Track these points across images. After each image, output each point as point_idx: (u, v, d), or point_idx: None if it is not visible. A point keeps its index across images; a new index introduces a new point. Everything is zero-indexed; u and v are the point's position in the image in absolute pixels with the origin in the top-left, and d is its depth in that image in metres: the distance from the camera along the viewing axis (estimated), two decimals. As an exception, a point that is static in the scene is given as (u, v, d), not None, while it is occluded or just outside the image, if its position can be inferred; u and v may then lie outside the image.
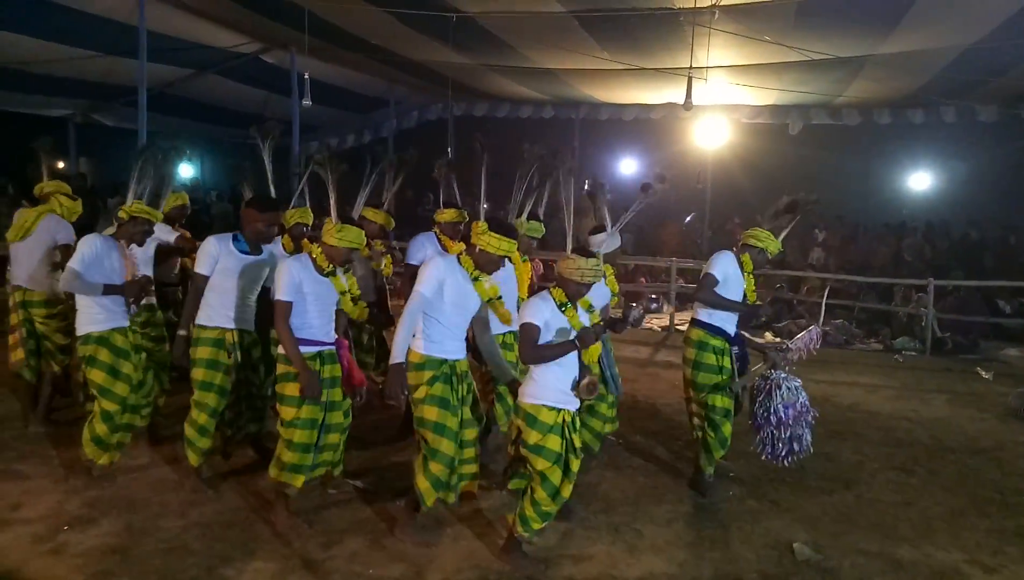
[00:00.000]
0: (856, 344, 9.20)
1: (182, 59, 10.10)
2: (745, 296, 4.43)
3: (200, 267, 4.07)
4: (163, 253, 5.06)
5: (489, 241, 3.59)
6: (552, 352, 3.34)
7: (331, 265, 3.79)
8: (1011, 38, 7.65)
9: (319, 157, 4.28)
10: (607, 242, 4.06)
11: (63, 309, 4.95)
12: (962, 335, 8.91)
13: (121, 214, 4.19)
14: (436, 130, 14.92)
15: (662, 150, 14.40)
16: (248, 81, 11.49)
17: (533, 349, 3.32)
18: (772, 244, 4.40)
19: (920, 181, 16.04)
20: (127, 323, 4.31)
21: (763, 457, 4.32)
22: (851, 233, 13.20)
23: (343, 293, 3.91)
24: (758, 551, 3.80)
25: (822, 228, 12.66)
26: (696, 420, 4.50)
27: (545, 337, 3.33)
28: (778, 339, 5.31)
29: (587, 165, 14.94)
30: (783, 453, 4.21)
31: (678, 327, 9.26)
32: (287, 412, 3.73)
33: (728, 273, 4.31)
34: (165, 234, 5.07)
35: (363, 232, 3.84)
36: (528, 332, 3.31)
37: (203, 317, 4.12)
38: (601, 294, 4.33)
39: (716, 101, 12.01)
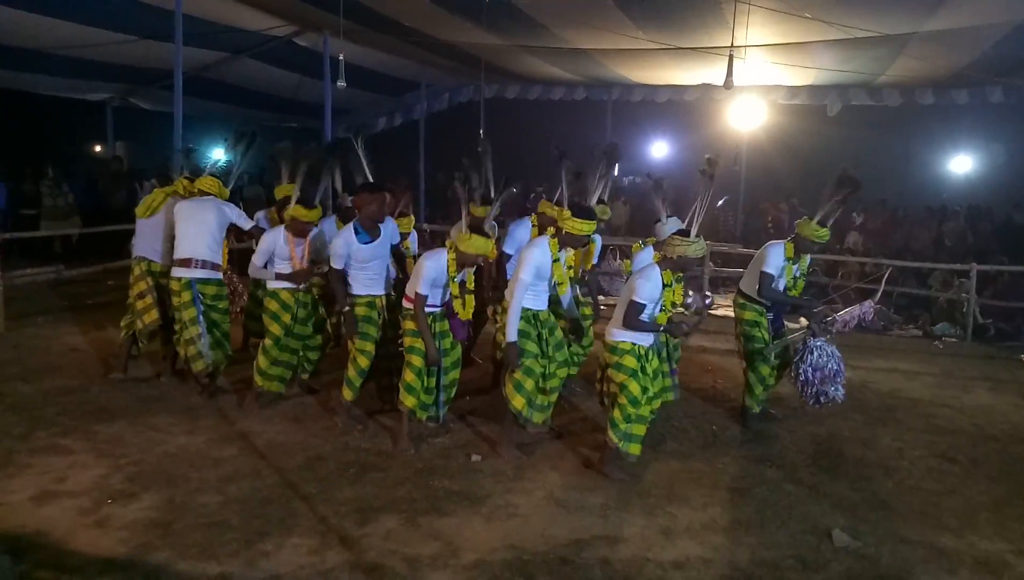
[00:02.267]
0: (894, 330, 9.01)
1: (217, 43, 10.16)
2: (786, 286, 5.11)
3: (335, 263, 4.80)
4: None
5: (575, 225, 4.34)
6: (645, 327, 4.23)
7: (458, 269, 4.52)
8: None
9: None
10: (666, 229, 4.84)
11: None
12: (1005, 321, 8.67)
13: (286, 216, 5.14)
14: (467, 112, 14.88)
15: (696, 132, 14.22)
16: (281, 64, 11.52)
17: (638, 321, 4.18)
18: (821, 235, 4.98)
19: (962, 164, 15.63)
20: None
21: (800, 398, 5.08)
22: (891, 216, 12.90)
23: (455, 297, 4.62)
24: (795, 536, 3.75)
25: (860, 211, 12.40)
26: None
27: (648, 310, 4.19)
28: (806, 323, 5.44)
29: (620, 149, 14.80)
30: (811, 401, 5.01)
31: (710, 312, 9.15)
32: (417, 360, 4.54)
33: (780, 266, 5.00)
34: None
35: (491, 242, 4.51)
36: (638, 309, 4.15)
37: (356, 288, 4.90)
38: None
39: (752, 82, 11.77)
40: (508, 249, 5.47)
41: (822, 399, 4.96)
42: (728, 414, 5.54)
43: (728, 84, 7.50)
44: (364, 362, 4.90)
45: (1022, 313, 8.88)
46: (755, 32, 8.27)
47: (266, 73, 11.79)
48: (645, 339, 4.29)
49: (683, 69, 11.52)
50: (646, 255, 5.04)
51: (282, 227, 5.14)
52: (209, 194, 5.47)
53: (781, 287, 5.10)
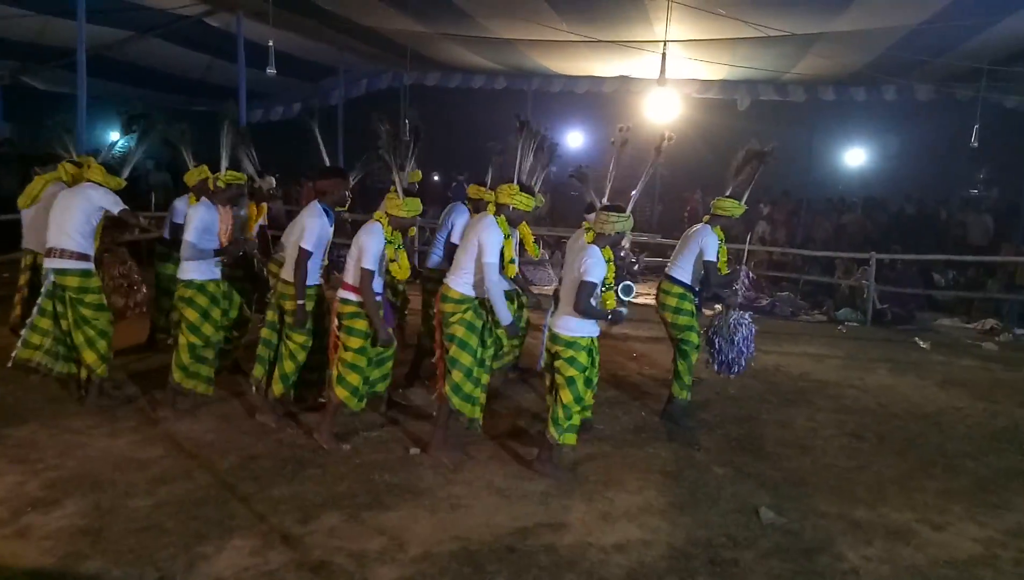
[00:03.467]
0: (802, 315, 9.53)
1: (122, 20, 9.62)
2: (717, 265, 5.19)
3: (312, 245, 4.59)
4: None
5: (521, 200, 4.50)
6: (594, 312, 4.19)
7: (395, 234, 4.44)
8: (952, 19, 7.94)
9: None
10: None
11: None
12: (900, 306, 9.32)
13: (219, 184, 4.97)
14: (386, 99, 14.64)
15: (613, 124, 14.48)
16: (191, 45, 11.02)
17: (588, 305, 4.12)
18: (737, 209, 5.18)
19: (857, 157, 16.61)
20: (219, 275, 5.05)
21: (715, 369, 5.34)
22: (795, 207, 13.59)
23: (391, 261, 4.48)
24: (726, 515, 3.95)
25: (767, 202, 13.00)
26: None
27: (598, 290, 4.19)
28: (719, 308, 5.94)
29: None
30: (735, 367, 5.25)
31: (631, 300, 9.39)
32: (356, 342, 4.43)
33: (713, 245, 5.09)
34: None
35: (419, 201, 4.48)
36: (590, 289, 4.12)
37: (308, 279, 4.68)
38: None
39: (668, 76, 12.10)
40: (456, 239, 5.33)
41: (743, 364, 5.24)
42: (656, 400, 5.74)
43: (662, 81, 7.69)
44: (303, 357, 4.80)
45: (915, 299, 9.57)
46: (674, 28, 8.52)
47: (175, 54, 11.25)
48: (596, 329, 4.31)
49: (602, 61, 11.74)
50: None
51: (208, 201, 4.96)
52: (93, 182, 4.97)
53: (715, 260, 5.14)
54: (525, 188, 4.59)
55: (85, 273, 4.92)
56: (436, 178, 16.56)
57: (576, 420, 4.29)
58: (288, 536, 3.54)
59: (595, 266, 4.12)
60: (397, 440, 4.73)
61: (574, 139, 16.86)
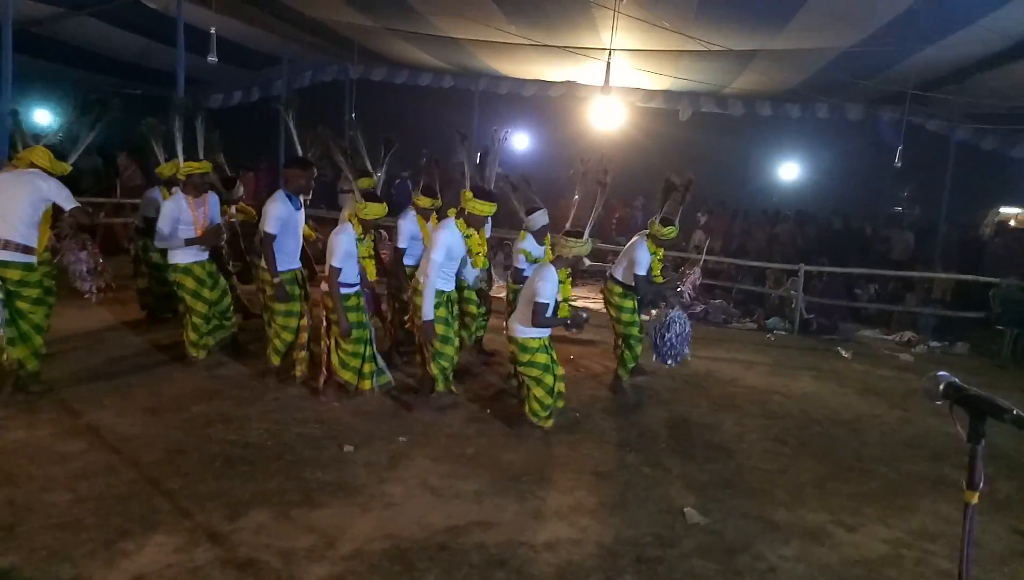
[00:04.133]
0: (733, 323, 9.83)
1: (53, -4, 9.25)
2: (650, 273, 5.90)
3: (271, 228, 5.00)
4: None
5: (475, 206, 4.97)
6: (551, 323, 4.71)
7: (363, 233, 4.97)
8: (880, 45, 8.33)
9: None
10: (538, 220, 5.60)
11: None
12: (825, 317, 9.71)
13: (180, 176, 5.36)
14: (331, 92, 14.47)
15: (558, 128, 14.64)
16: (126, 26, 10.65)
17: (544, 319, 4.63)
18: (670, 233, 5.85)
19: (790, 171, 17.20)
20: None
21: (654, 359, 5.98)
22: (731, 218, 13.97)
23: (367, 257, 5.11)
24: (653, 515, 4.05)
25: (704, 211, 13.34)
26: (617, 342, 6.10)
27: (551, 302, 4.62)
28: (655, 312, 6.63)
29: (484, 138, 14.97)
30: (669, 359, 5.89)
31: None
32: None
33: (648, 262, 5.78)
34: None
35: (385, 206, 4.97)
36: (543, 308, 4.57)
37: (282, 263, 5.13)
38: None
39: (613, 84, 12.30)
40: (401, 244, 5.78)
41: (679, 359, 5.92)
42: (591, 400, 5.85)
43: (606, 89, 7.84)
44: (289, 337, 5.34)
45: (839, 310, 9.97)
46: (621, 37, 8.68)
47: (109, 34, 10.86)
48: (547, 332, 4.84)
49: (549, 65, 11.85)
50: (528, 242, 5.78)
51: (180, 193, 5.32)
52: (37, 167, 4.79)
53: (646, 274, 5.86)
54: (482, 193, 5.06)
55: (27, 266, 4.78)
56: (379, 176, 16.43)
57: (552, 405, 4.94)
58: (214, 533, 3.48)
59: (547, 286, 4.60)
60: (332, 437, 4.70)
61: (520, 141, 16.95)
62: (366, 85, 14.10)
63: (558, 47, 9.97)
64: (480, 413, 5.34)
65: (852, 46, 8.59)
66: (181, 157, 5.36)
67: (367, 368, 5.24)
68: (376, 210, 4.91)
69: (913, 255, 12.08)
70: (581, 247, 4.74)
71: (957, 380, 1.84)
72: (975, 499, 1.86)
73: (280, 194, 5.10)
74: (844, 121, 13.09)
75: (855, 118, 12.74)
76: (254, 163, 12.46)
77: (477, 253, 5.24)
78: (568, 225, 4.97)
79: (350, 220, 4.95)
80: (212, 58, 8.03)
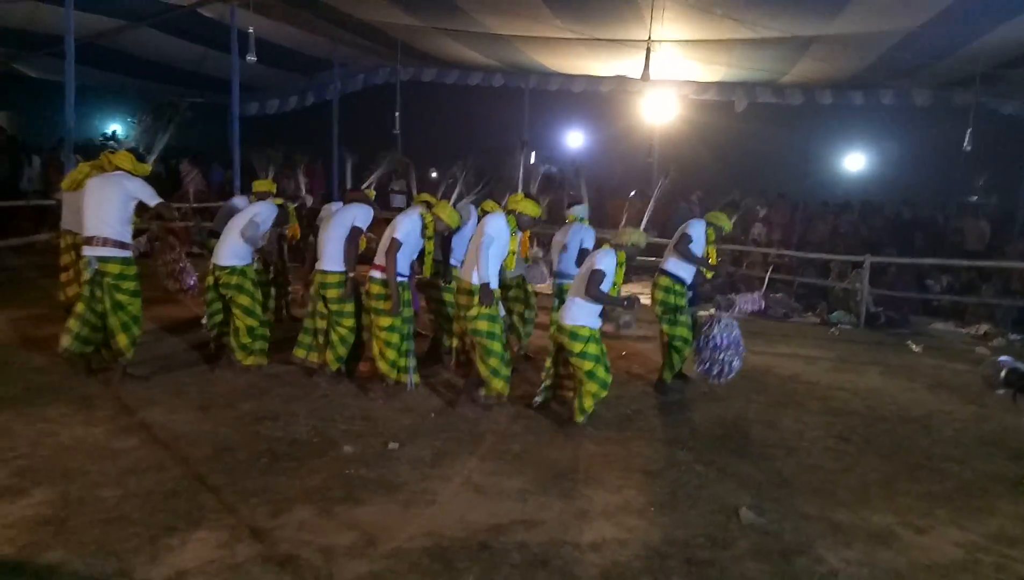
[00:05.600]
0: (795, 317, 9.47)
1: (112, 9, 9.56)
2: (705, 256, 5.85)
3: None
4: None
5: (527, 207, 5.09)
6: (607, 299, 4.67)
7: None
8: (949, 24, 7.89)
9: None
10: (579, 212, 5.86)
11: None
12: (894, 310, 9.27)
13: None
14: (382, 94, 14.59)
15: (610, 123, 14.45)
16: (184, 36, 10.96)
17: (600, 292, 4.59)
18: (727, 224, 5.86)
19: (855, 161, 16.57)
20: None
21: (698, 371, 5.62)
22: (792, 210, 13.52)
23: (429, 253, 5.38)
24: (705, 515, 3.88)
25: (763, 204, 12.93)
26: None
27: (607, 284, 4.66)
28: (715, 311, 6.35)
29: (536, 137, 14.89)
30: (715, 373, 5.49)
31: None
32: (386, 320, 5.17)
33: (700, 235, 5.70)
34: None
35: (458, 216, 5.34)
36: (601, 278, 4.60)
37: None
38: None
39: (665, 76, 12.06)
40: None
41: (725, 370, 5.49)
42: (642, 397, 5.69)
43: (645, 76, 7.69)
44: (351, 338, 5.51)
45: (908, 302, 9.51)
46: (669, 27, 8.47)
47: (167, 44, 11.20)
48: (599, 321, 4.79)
49: (599, 60, 11.68)
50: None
51: (268, 202, 5.85)
52: (121, 170, 5.28)
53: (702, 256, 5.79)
54: (531, 196, 5.20)
55: (125, 261, 5.23)
56: (434, 175, 16.51)
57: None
58: (257, 529, 3.47)
59: (607, 259, 4.68)
60: (376, 434, 4.67)
61: (574, 139, 16.77)
62: (417, 87, 14.19)
63: (604, 40, 9.80)
64: (526, 411, 5.24)
65: (919, 26, 8.16)
66: (271, 173, 6.02)
67: (402, 362, 5.30)
68: (452, 218, 5.31)
69: (989, 245, 11.44)
70: (638, 236, 4.85)
71: (1022, 365, 1.65)
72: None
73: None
74: (911, 107, 12.52)
75: (923, 104, 12.16)
76: (310, 165, 12.66)
77: (513, 253, 5.27)
78: (643, 224, 5.07)
79: (422, 214, 5.25)
80: (251, 57, 8.17)
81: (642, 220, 5.02)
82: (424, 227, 5.25)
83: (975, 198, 15.00)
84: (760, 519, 3.84)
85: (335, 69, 13.35)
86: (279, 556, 3.26)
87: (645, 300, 5.84)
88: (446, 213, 5.28)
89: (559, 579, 3.21)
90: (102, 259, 5.14)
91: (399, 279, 5.11)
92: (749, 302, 6.05)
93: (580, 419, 4.84)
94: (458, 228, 5.50)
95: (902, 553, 3.59)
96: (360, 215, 5.35)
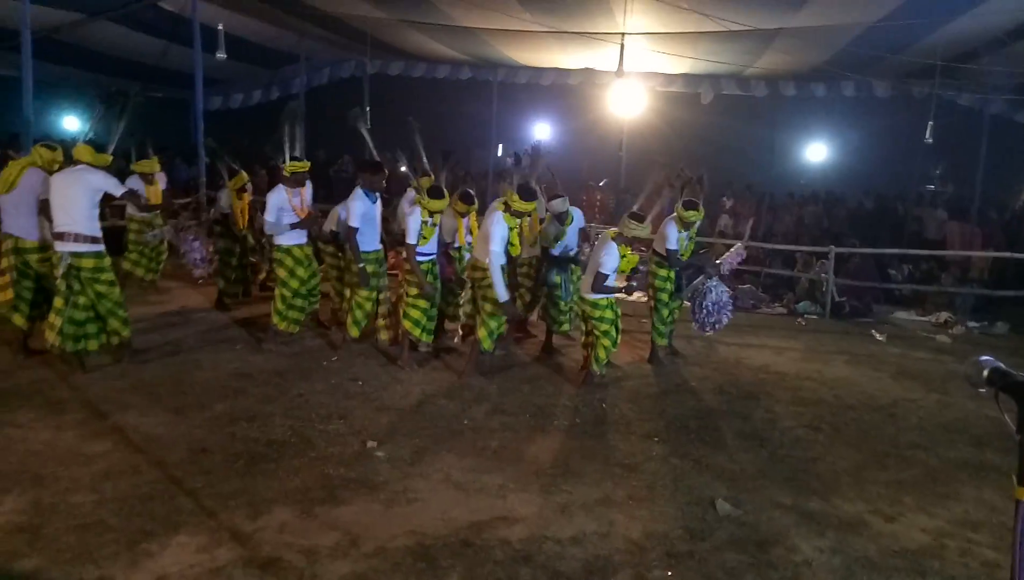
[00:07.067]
0: (762, 308, 9.63)
1: (70, 2, 9.30)
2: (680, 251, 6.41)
3: (355, 222, 5.81)
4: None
5: (519, 204, 5.62)
6: (609, 290, 5.57)
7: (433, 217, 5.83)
8: (907, 17, 8.06)
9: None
10: (558, 206, 6.34)
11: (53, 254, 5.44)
12: (857, 300, 9.47)
13: (285, 172, 5.91)
14: (349, 88, 14.42)
15: (579, 116, 14.46)
16: (145, 29, 10.71)
17: (603, 287, 5.51)
18: (693, 216, 6.24)
19: (818, 152, 16.83)
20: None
21: (694, 327, 6.59)
22: (758, 201, 13.71)
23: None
24: (682, 508, 3.95)
25: (729, 195, 13.09)
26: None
27: (611, 278, 5.50)
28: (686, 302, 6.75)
29: (504, 129, 14.86)
30: (707, 327, 6.47)
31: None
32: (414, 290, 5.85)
33: (676, 239, 6.27)
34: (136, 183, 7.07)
35: (446, 201, 5.79)
36: (603, 278, 5.46)
37: (365, 244, 5.93)
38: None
39: (632, 69, 12.12)
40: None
41: (717, 326, 6.46)
42: (616, 392, 5.75)
43: (620, 72, 7.75)
44: (370, 307, 6.14)
45: (871, 292, 9.73)
46: (637, 20, 8.52)
47: (127, 38, 10.93)
48: (613, 293, 5.68)
49: (567, 53, 11.70)
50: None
51: (281, 186, 5.91)
52: (82, 163, 5.30)
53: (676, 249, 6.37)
54: (525, 192, 5.67)
55: (98, 254, 5.33)
56: (403, 169, 16.42)
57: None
58: (237, 532, 3.45)
59: (609, 260, 5.44)
60: (355, 433, 4.66)
61: (542, 131, 16.78)
62: (384, 80, 14.05)
63: (573, 33, 9.82)
64: (504, 405, 5.27)
65: (879, 20, 8.33)
66: (288, 155, 6.04)
67: (430, 325, 5.96)
68: (438, 205, 5.72)
69: (946, 234, 11.73)
70: (641, 230, 5.48)
71: (1002, 365, 1.71)
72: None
73: (359, 192, 5.88)
74: (872, 98, 12.77)
75: (883, 95, 12.41)
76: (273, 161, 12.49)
77: (514, 245, 6.02)
78: (649, 219, 5.60)
79: (418, 202, 5.74)
80: (221, 55, 8.05)
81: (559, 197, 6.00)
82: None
83: (932, 187, 15.38)
84: (736, 510, 3.92)
85: (301, 62, 13.17)
86: (261, 559, 3.25)
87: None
88: (431, 205, 5.76)
89: (542, 574, 3.25)
90: (76, 255, 5.23)
91: (422, 258, 5.80)
92: (734, 257, 6.76)
93: (596, 368, 5.73)
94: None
95: (872, 540, 3.70)
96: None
